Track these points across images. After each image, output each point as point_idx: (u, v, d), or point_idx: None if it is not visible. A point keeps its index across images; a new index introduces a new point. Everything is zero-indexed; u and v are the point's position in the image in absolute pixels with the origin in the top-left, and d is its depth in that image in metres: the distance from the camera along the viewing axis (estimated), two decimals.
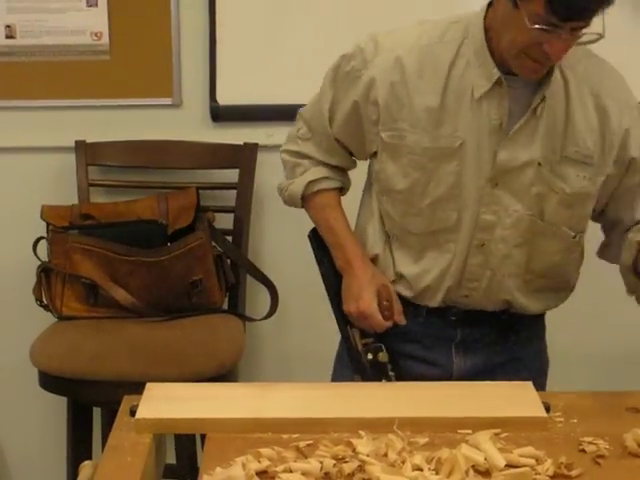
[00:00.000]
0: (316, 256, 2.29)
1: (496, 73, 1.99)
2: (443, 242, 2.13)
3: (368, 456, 1.72)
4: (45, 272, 3.04)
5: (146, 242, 2.97)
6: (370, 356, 2.12)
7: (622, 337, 3.32)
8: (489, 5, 2.03)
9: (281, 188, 2.29)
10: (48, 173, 3.20)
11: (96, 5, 3.06)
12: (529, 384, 2.00)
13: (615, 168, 2.08)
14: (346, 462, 1.72)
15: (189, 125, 3.17)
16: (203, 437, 1.91)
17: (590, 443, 1.81)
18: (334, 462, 1.71)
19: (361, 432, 1.82)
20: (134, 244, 2.97)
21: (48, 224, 3.04)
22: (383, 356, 2.11)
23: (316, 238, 2.27)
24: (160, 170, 3.09)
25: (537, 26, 1.84)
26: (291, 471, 1.70)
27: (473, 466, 1.70)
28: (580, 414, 1.93)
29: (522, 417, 1.88)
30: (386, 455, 1.73)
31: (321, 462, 1.71)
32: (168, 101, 3.15)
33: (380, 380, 2.11)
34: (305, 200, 2.25)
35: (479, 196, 2.07)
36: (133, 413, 1.91)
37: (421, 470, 1.68)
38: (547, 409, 1.92)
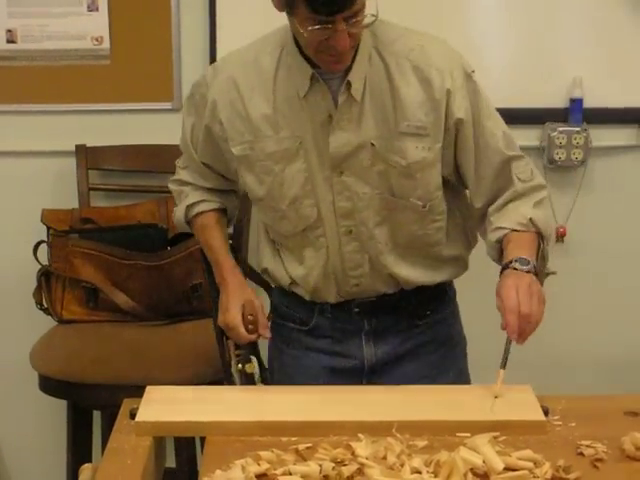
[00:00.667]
0: (205, 272, 2.39)
1: (309, 70, 2.07)
2: (314, 238, 2.21)
3: (367, 459, 1.73)
4: (45, 276, 3.05)
5: (146, 246, 2.97)
6: (240, 366, 2.16)
7: (621, 341, 3.33)
8: None
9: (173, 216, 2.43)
10: (48, 177, 3.21)
11: (97, 10, 3.06)
12: (528, 388, 2.01)
13: (448, 133, 2.13)
14: (345, 465, 1.72)
15: None
16: (203, 440, 1.91)
17: (588, 446, 1.82)
18: (333, 465, 1.72)
19: (360, 435, 1.82)
20: (134, 248, 2.97)
21: (48, 228, 3.04)
22: (250, 367, 2.16)
23: (205, 256, 2.37)
24: (160, 174, 3.09)
25: (310, 28, 1.94)
26: (290, 474, 1.71)
27: (472, 469, 1.71)
28: (578, 417, 1.94)
29: (520, 420, 1.89)
30: (385, 458, 1.74)
31: (320, 465, 1.72)
32: (168, 105, 3.16)
33: None
34: (189, 224, 2.37)
35: (329, 186, 2.15)
36: (133, 416, 1.92)
37: (420, 473, 1.69)
38: (545, 412, 1.92)
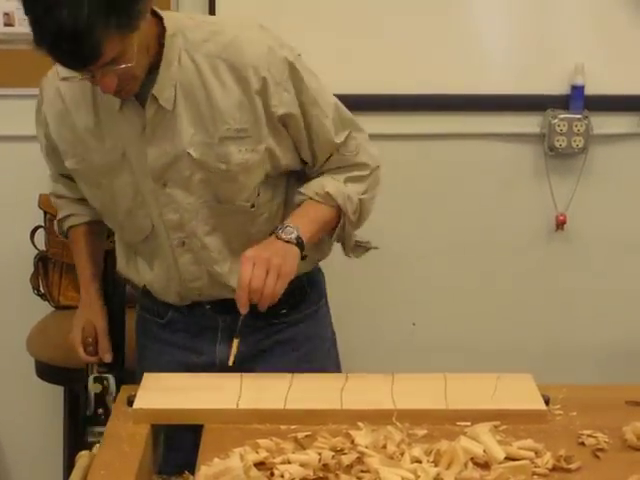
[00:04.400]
0: None
1: None
2: (155, 247, 2.17)
3: (367, 448, 1.72)
4: (42, 261, 3.04)
5: None
6: (91, 381, 2.16)
7: (622, 330, 3.32)
8: None
9: None
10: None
11: None
12: (529, 377, 2.00)
13: (275, 130, 2.07)
14: (345, 454, 1.72)
15: None
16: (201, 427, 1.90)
17: (589, 436, 1.81)
18: (333, 454, 1.71)
19: (360, 424, 1.81)
20: None
21: (46, 213, 3.03)
22: (96, 387, 2.15)
23: None
24: None
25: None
26: (289, 462, 1.70)
27: (472, 458, 1.70)
28: (579, 407, 1.93)
29: (521, 410, 1.88)
30: (385, 447, 1.73)
31: (319, 453, 1.71)
32: None
33: (100, 407, 2.16)
34: (66, 237, 2.36)
35: (156, 199, 2.09)
36: (131, 403, 1.91)
37: (420, 462, 1.68)
38: (546, 402, 1.92)
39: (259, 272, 1.97)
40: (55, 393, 3.08)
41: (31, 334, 2.96)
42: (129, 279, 2.29)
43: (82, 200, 2.27)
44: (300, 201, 2.14)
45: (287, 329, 2.26)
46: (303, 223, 2.08)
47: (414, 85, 3.06)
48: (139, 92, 1.99)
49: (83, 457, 1.83)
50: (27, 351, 2.94)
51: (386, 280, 3.21)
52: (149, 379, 1.99)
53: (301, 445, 1.77)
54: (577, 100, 3.10)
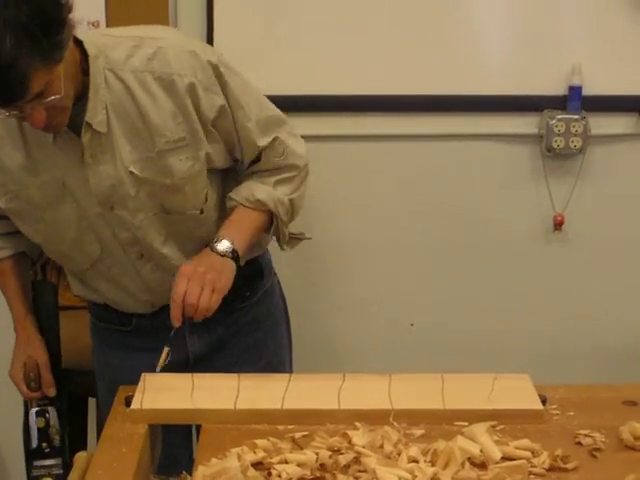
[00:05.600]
0: None
1: None
2: (106, 270, 2.17)
3: (364, 448, 1.73)
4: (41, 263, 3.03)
5: None
6: (33, 416, 2.18)
7: (620, 330, 3.32)
8: None
9: None
10: None
11: None
12: (526, 377, 2.00)
13: (210, 135, 2.08)
14: (342, 454, 1.72)
15: None
16: (199, 427, 1.90)
17: (586, 436, 1.82)
18: (330, 453, 1.72)
19: (357, 424, 1.82)
20: None
21: None
22: (40, 421, 2.17)
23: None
24: None
25: None
26: (287, 462, 1.71)
27: (469, 458, 1.71)
28: (576, 407, 1.94)
29: (518, 409, 1.89)
30: (382, 447, 1.74)
31: (317, 453, 1.71)
32: None
33: (44, 441, 2.18)
34: None
35: (105, 221, 2.09)
36: (128, 403, 1.91)
37: (417, 462, 1.69)
38: (543, 402, 1.92)
39: (193, 288, 2.00)
40: None
41: None
42: (87, 299, 2.30)
43: (5, 233, 2.24)
44: (231, 206, 2.17)
45: (249, 312, 2.31)
46: (237, 234, 2.11)
47: (411, 86, 3.06)
48: (70, 121, 1.95)
49: (81, 458, 1.83)
50: None
51: (383, 281, 3.21)
52: (146, 379, 1.99)
53: (298, 445, 1.78)
54: (575, 101, 3.10)
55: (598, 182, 3.22)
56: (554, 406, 1.94)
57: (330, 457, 1.70)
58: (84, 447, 2.79)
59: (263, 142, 2.15)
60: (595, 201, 3.23)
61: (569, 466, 1.72)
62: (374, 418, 1.84)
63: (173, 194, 2.08)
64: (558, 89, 3.11)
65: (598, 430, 1.84)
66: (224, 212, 2.20)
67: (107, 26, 3.04)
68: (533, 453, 1.75)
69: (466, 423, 1.83)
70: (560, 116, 3.10)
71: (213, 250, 2.07)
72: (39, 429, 2.14)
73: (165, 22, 3.07)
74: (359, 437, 1.75)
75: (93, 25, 3.05)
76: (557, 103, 3.11)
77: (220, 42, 2.98)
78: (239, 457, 1.69)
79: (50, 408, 2.17)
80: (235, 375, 2.02)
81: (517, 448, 1.75)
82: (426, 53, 3.06)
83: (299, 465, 1.69)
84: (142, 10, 3.08)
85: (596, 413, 1.91)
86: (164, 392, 1.95)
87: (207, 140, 2.08)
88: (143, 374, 2.01)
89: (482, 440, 1.74)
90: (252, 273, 2.29)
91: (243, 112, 2.10)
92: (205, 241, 2.13)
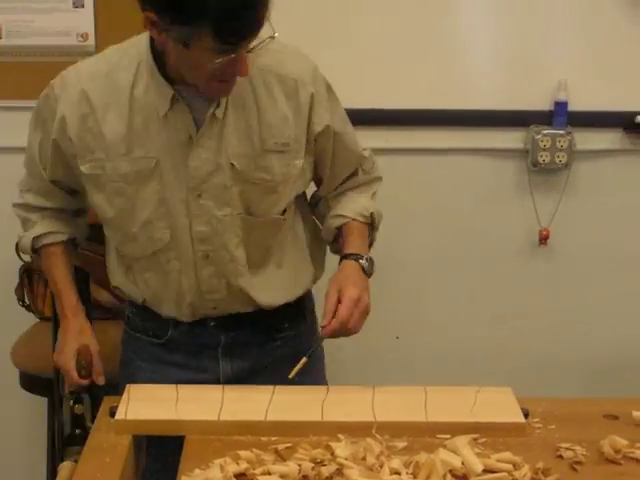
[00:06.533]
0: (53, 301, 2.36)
1: (170, 92, 1.99)
2: (165, 262, 2.14)
3: (346, 459, 1.73)
4: (27, 273, 3.04)
5: None
6: (71, 403, 2.14)
7: (602, 344, 3.34)
8: None
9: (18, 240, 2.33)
10: None
11: (82, 6, 3.05)
12: (509, 390, 2.01)
13: (309, 145, 2.13)
14: (324, 465, 1.72)
15: None
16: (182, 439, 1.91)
17: (567, 449, 1.83)
18: (312, 465, 1.72)
19: (340, 436, 1.83)
20: None
21: None
22: (78, 408, 2.13)
23: None
24: None
25: (217, 60, 1.84)
26: (269, 474, 1.71)
27: (451, 471, 1.71)
28: (558, 420, 1.94)
29: (500, 422, 1.89)
30: (364, 459, 1.74)
31: (300, 465, 1.72)
32: None
33: (78, 428, 2.13)
34: (35, 252, 2.28)
35: (186, 210, 2.08)
36: (113, 414, 1.92)
37: (399, 474, 1.69)
38: (526, 415, 1.93)
39: (357, 316, 2.06)
40: (39, 404, 3.07)
41: (15, 345, 2.96)
42: (126, 295, 2.27)
43: (59, 213, 2.25)
44: (341, 223, 2.21)
45: (286, 344, 2.28)
46: (366, 250, 2.19)
47: (398, 100, 3.08)
48: (190, 102, 2.00)
49: (65, 468, 1.84)
50: (11, 362, 2.93)
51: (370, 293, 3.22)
52: (131, 390, 2.00)
53: (281, 456, 1.78)
54: (560, 116, 3.12)
55: (583, 197, 3.24)
56: (536, 419, 1.94)
57: (313, 469, 1.70)
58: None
59: (363, 152, 2.25)
60: (580, 216, 3.25)
61: (550, 479, 1.72)
62: (357, 430, 1.85)
63: (266, 193, 2.10)
64: (544, 104, 3.14)
65: (579, 443, 1.84)
66: (293, 221, 2.23)
67: (96, 39, 3.06)
68: (515, 466, 1.75)
69: (448, 436, 1.84)
70: (546, 131, 3.12)
71: (364, 271, 2.14)
72: (74, 416, 2.13)
73: None
74: (342, 449, 1.76)
75: (82, 37, 3.06)
76: (543, 118, 3.14)
77: None
78: (222, 468, 1.70)
79: (85, 396, 2.16)
80: (219, 386, 2.03)
81: (499, 461, 1.76)
82: (413, 68, 3.09)
83: (282, 477, 1.69)
84: (130, 23, 3.08)
85: (577, 426, 1.92)
86: (148, 403, 1.95)
87: (306, 152, 2.12)
88: (128, 385, 2.02)
89: (464, 452, 1.74)
90: (294, 309, 2.28)
91: (350, 127, 2.21)
92: (269, 252, 2.18)
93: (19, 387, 2.96)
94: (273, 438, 1.85)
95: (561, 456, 1.82)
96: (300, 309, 2.31)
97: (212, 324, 2.21)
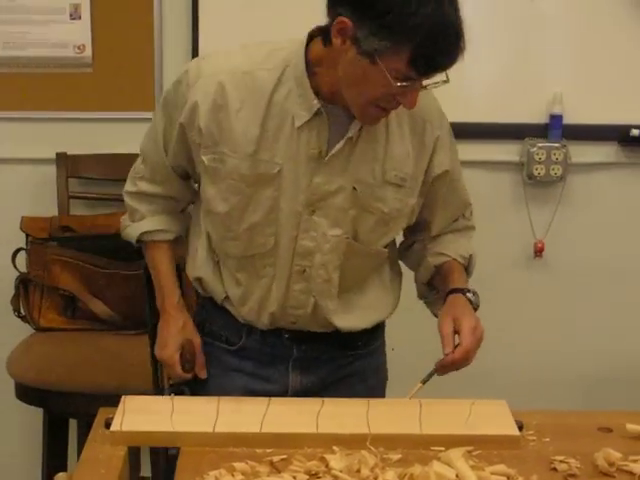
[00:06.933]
0: (145, 287, 2.37)
1: (316, 104, 1.98)
2: (260, 267, 2.13)
3: (341, 472, 1.73)
4: (23, 283, 3.04)
5: (124, 255, 2.96)
6: (172, 396, 2.13)
7: (596, 357, 3.34)
8: (312, 37, 2.02)
9: (121, 224, 2.32)
10: (28, 184, 3.20)
11: (79, 18, 3.06)
12: (503, 403, 2.01)
13: (424, 186, 2.14)
14: (319, 477, 1.73)
15: None
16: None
17: (562, 462, 1.83)
18: (307, 477, 1.72)
19: (335, 448, 1.83)
20: (113, 257, 2.97)
21: (27, 235, 3.04)
22: None
23: (147, 272, 2.34)
24: None
25: (400, 83, 1.83)
26: None
27: None
28: (552, 433, 1.95)
29: (495, 435, 1.90)
30: (359, 471, 1.74)
31: (294, 477, 1.72)
32: (150, 114, 3.12)
33: None
34: (140, 242, 2.28)
35: (297, 222, 2.07)
36: (108, 425, 1.91)
37: None
38: (520, 427, 1.93)
39: (475, 351, 2.09)
40: (34, 415, 3.07)
41: (11, 355, 2.96)
42: (208, 289, 2.23)
43: (169, 206, 2.24)
44: (442, 262, 2.25)
45: (358, 361, 2.29)
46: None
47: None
48: (331, 119, 2.00)
49: (60, 479, 1.84)
50: (7, 372, 2.93)
51: None
52: (126, 402, 2.00)
53: (276, 468, 1.78)
54: (555, 129, 3.14)
55: (578, 209, 3.25)
56: (530, 432, 1.95)
57: None
58: (64, 468, 2.79)
59: (470, 199, 2.30)
60: (575, 228, 3.26)
61: None
62: (352, 442, 1.85)
63: (378, 224, 2.11)
64: (539, 118, 3.15)
65: (573, 456, 1.84)
66: (386, 261, 2.26)
67: (93, 51, 3.07)
68: (509, 478, 1.75)
69: (443, 448, 1.84)
70: (541, 144, 3.14)
71: (473, 306, 2.17)
72: None
73: (150, 48, 3.10)
74: (336, 461, 1.76)
75: (79, 49, 3.07)
76: (538, 131, 3.15)
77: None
78: None
79: (186, 389, 2.17)
80: (215, 398, 2.02)
81: (493, 473, 1.76)
82: None
83: None
84: (127, 35, 3.10)
85: (572, 439, 1.92)
86: (144, 414, 1.95)
87: (419, 193, 2.14)
88: (123, 396, 2.02)
89: (458, 465, 1.75)
90: (369, 329, 2.28)
91: (462, 175, 2.24)
92: (358, 281, 2.20)
93: (14, 398, 2.96)
94: (268, 450, 1.85)
95: (555, 469, 1.81)
96: (374, 330, 2.31)
97: (286, 336, 2.20)
